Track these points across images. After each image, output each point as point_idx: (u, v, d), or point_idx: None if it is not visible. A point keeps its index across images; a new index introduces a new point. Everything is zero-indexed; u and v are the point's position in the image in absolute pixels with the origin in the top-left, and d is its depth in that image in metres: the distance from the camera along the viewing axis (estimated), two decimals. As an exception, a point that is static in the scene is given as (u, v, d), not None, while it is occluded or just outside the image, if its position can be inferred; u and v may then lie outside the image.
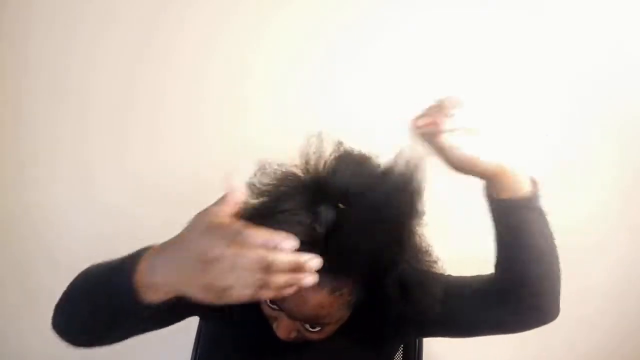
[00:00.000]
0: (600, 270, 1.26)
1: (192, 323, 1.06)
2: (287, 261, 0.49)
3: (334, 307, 0.67)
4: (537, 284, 0.76)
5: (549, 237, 0.78)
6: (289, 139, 0.76)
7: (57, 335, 0.69)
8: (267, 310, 0.73)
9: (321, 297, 0.66)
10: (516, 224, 0.73)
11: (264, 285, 0.49)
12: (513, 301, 0.76)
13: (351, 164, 0.71)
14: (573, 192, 1.25)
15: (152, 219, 1.28)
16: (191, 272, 0.51)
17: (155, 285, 0.54)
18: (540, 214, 0.76)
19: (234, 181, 0.55)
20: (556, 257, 0.79)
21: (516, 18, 1.22)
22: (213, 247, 0.49)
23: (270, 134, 1.20)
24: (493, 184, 0.73)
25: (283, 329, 0.71)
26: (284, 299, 0.66)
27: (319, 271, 0.50)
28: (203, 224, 0.52)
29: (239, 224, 0.50)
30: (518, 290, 0.76)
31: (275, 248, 0.49)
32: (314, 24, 1.26)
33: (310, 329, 0.70)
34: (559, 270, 0.79)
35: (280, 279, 0.49)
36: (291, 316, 0.69)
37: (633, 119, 1.22)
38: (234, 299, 0.50)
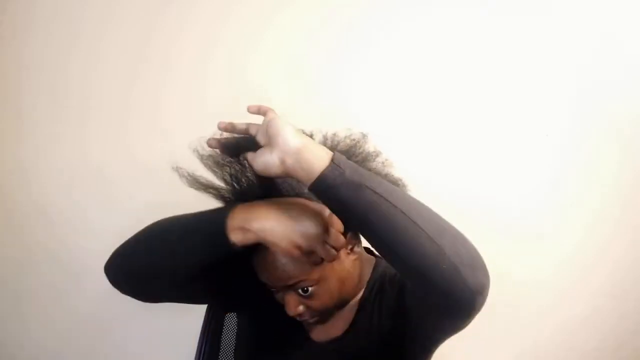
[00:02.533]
0: (601, 270, 1.26)
1: (192, 325, 1.07)
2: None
3: (297, 262, 0.74)
4: (404, 260, 0.65)
5: (386, 201, 0.64)
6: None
7: (112, 277, 0.80)
8: (275, 296, 0.82)
9: (278, 257, 0.75)
10: (338, 207, 0.67)
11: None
12: (415, 288, 0.74)
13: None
14: (573, 192, 1.25)
15: (151, 218, 1.28)
16: (292, 229, 0.69)
17: (248, 229, 0.69)
18: (352, 184, 0.64)
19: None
20: (416, 217, 0.64)
21: (516, 18, 1.22)
22: (321, 225, 0.70)
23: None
24: (296, 179, 0.68)
25: (288, 303, 0.78)
26: (263, 273, 0.78)
27: None
28: (308, 200, 0.73)
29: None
30: (403, 274, 0.74)
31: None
32: (314, 24, 1.26)
33: (304, 294, 0.78)
34: (429, 230, 0.64)
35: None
36: (277, 286, 0.78)
37: (633, 119, 1.23)
38: (308, 259, 0.72)
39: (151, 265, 0.75)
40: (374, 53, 1.25)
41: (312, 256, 0.72)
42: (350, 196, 0.64)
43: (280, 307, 0.81)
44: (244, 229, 0.69)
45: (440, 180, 1.25)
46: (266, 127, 0.70)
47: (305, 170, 0.65)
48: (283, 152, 0.66)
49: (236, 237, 0.70)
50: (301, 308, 0.79)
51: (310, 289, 0.77)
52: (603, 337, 1.27)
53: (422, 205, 0.68)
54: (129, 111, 1.30)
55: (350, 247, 0.80)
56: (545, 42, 1.23)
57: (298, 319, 0.81)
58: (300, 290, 0.77)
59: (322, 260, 0.73)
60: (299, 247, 0.70)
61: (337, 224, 0.73)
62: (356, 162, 0.72)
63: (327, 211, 0.72)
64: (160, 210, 1.26)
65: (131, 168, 1.29)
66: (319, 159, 0.64)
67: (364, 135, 0.82)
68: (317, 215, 0.71)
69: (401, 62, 1.25)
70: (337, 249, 0.73)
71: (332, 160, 0.64)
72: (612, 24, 1.22)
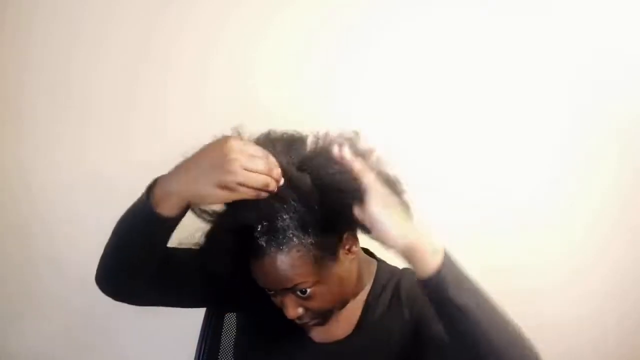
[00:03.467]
0: (601, 270, 1.26)
1: (192, 325, 1.07)
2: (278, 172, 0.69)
3: (294, 263, 0.74)
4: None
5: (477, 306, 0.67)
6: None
7: (103, 289, 0.81)
8: (274, 300, 0.81)
9: (274, 257, 0.74)
10: (445, 310, 0.67)
11: (259, 187, 0.67)
12: None
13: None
14: (573, 192, 1.25)
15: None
16: (209, 172, 0.66)
17: (169, 194, 0.69)
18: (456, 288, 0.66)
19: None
20: (496, 321, 0.67)
21: (516, 18, 1.22)
22: (232, 150, 0.66)
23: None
24: (409, 263, 0.68)
25: (287, 306, 0.78)
26: (259, 276, 0.77)
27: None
28: (215, 141, 0.69)
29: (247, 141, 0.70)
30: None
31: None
32: (314, 24, 1.26)
33: (302, 295, 0.76)
34: (503, 333, 0.67)
35: (272, 183, 0.68)
36: (274, 289, 0.78)
37: (633, 119, 1.23)
38: (242, 196, 0.67)
39: (115, 264, 0.78)
40: (374, 53, 1.26)
41: (243, 192, 0.67)
42: (441, 312, 0.67)
43: (280, 308, 0.80)
44: (164, 196, 0.69)
45: (440, 180, 1.25)
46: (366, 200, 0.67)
47: (424, 260, 0.66)
48: (391, 245, 0.67)
49: (162, 208, 0.69)
50: (300, 310, 0.78)
51: (308, 290, 0.76)
52: (603, 336, 1.27)
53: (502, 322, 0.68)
54: (130, 112, 1.30)
55: (347, 247, 0.79)
56: (545, 41, 1.23)
57: (298, 322, 0.80)
58: (298, 292, 0.76)
59: (263, 194, 0.68)
60: (222, 187, 0.66)
61: (247, 149, 0.68)
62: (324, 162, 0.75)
63: (228, 138, 0.69)
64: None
65: (131, 169, 1.29)
66: (429, 262, 0.66)
67: (357, 133, 0.80)
68: (216, 147, 0.68)
69: (401, 62, 1.25)
70: (267, 173, 0.68)
71: (439, 271, 0.65)
72: (612, 23, 1.22)
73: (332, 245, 0.77)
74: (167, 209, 0.70)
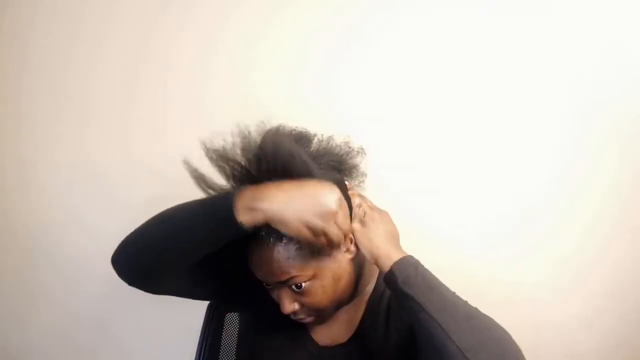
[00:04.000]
0: (601, 270, 1.26)
1: (192, 324, 1.07)
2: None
3: (290, 256, 0.76)
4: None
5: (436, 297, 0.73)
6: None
7: (122, 271, 0.79)
8: (271, 294, 0.82)
9: (272, 249, 0.75)
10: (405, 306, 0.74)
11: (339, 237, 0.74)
12: None
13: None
14: (573, 192, 1.25)
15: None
16: (307, 209, 0.71)
17: (258, 209, 0.70)
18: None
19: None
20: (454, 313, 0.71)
21: (516, 18, 1.22)
22: (338, 203, 0.73)
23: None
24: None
25: (282, 300, 0.79)
26: (256, 269, 0.78)
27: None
28: (327, 186, 0.74)
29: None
30: None
31: None
32: (314, 24, 1.26)
33: (297, 290, 0.78)
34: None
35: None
36: (272, 283, 0.79)
37: (633, 119, 1.23)
38: (316, 241, 0.72)
39: (159, 249, 0.75)
40: (374, 53, 1.26)
41: (320, 239, 0.73)
42: (401, 303, 0.73)
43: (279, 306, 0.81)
44: (252, 209, 0.70)
45: (439, 180, 1.25)
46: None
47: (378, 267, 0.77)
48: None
49: (244, 217, 0.70)
50: (296, 305, 0.79)
51: (303, 284, 0.77)
52: (603, 336, 1.27)
53: (467, 315, 0.71)
54: (129, 112, 1.30)
55: (346, 247, 0.80)
56: (545, 42, 1.23)
57: (293, 317, 0.81)
58: (293, 287, 0.77)
59: (327, 245, 0.74)
60: (309, 227, 0.71)
61: (345, 208, 0.76)
62: (338, 170, 0.82)
63: (338, 192, 0.75)
64: (159, 209, 1.27)
65: (131, 169, 1.29)
66: (386, 265, 0.75)
67: (361, 150, 0.85)
68: (328, 195, 0.73)
69: (401, 62, 1.25)
70: (345, 234, 0.76)
71: (392, 266, 0.74)
72: (612, 23, 1.22)
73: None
74: (248, 220, 0.70)
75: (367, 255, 0.78)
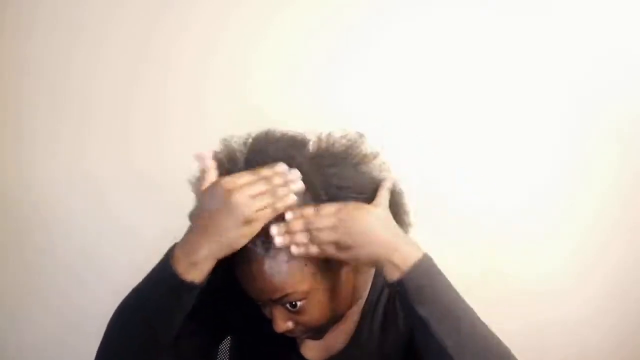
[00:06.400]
0: (601, 270, 1.26)
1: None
2: (281, 179, 0.68)
3: (283, 271, 0.69)
4: None
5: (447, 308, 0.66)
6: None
7: None
8: (264, 311, 0.76)
9: (264, 263, 0.69)
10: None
11: (277, 200, 0.66)
12: None
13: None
14: (573, 192, 1.25)
15: (153, 218, 1.28)
16: (224, 223, 0.64)
17: (200, 261, 0.66)
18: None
19: (203, 155, 0.71)
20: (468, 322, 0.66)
21: (516, 18, 1.22)
22: (229, 193, 0.65)
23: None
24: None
25: (275, 319, 0.72)
26: (247, 287, 0.72)
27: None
28: (207, 193, 0.67)
29: (234, 175, 0.67)
30: None
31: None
32: (314, 24, 1.26)
33: (292, 309, 0.71)
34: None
35: (282, 190, 0.67)
36: (265, 301, 0.73)
37: (633, 119, 1.23)
38: (264, 220, 0.66)
39: (134, 349, 0.71)
40: (374, 53, 1.25)
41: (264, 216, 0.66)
42: (409, 323, 0.69)
43: (270, 323, 0.75)
44: (194, 266, 0.66)
45: (440, 180, 1.25)
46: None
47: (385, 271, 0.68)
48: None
49: (194, 276, 0.66)
50: (290, 324, 0.73)
51: (298, 303, 0.70)
52: (603, 337, 1.27)
53: (484, 349, 0.65)
54: (129, 112, 1.30)
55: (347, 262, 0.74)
56: (546, 42, 1.23)
57: (289, 335, 0.75)
58: (288, 305, 0.71)
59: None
60: (248, 221, 0.65)
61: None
62: (353, 163, 0.73)
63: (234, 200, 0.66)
64: (159, 213, 1.27)
65: (131, 169, 1.29)
66: (394, 270, 0.66)
67: (361, 136, 0.77)
68: (220, 196, 0.65)
69: (401, 62, 1.25)
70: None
71: (402, 277, 0.65)
72: (612, 24, 1.22)
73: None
74: (198, 276, 0.66)
75: (369, 267, 0.72)
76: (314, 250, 0.67)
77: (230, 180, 0.66)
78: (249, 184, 0.66)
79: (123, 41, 1.28)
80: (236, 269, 0.72)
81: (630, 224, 1.25)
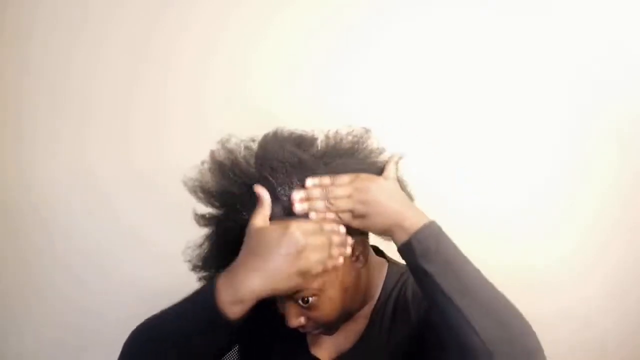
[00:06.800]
0: (601, 270, 1.26)
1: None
2: (338, 238, 0.71)
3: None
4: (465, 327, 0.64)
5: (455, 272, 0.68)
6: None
7: None
8: (279, 308, 0.77)
9: None
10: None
11: (329, 258, 0.69)
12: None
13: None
14: (573, 192, 1.25)
15: (154, 218, 1.28)
16: (282, 266, 0.66)
17: (242, 298, 0.66)
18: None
19: (261, 191, 0.70)
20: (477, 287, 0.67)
21: (516, 18, 1.22)
22: (298, 238, 0.67)
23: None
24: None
25: (289, 314, 0.74)
26: None
27: None
28: (267, 232, 0.68)
29: (299, 221, 0.69)
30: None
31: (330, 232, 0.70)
32: (314, 24, 1.26)
33: (304, 305, 0.72)
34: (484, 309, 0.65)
35: (336, 250, 0.70)
36: (278, 297, 0.73)
37: (633, 119, 1.23)
38: (316, 273, 0.69)
39: None
40: (374, 53, 1.26)
41: (321, 267, 0.69)
42: (417, 282, 0.69)
43: (283, 320, 0.76)
44: (238, 303, 0.66)
45: (440, 179, 1.25)
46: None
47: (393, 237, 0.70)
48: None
49: (234, 312, 0.66)
50: (302, 320, 0.74)
51: (310, 299, 0.71)
52: (603, 336, 1.27)
53: (491, 303, 0.66)
54: (129, 112, 1.30)
55: (357, 253, 0.75)
56: (546, 41, 1.23)
57: (301, 330, 0.76)
58: (300, 301, 0.72)
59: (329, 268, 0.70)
60: (302, 275, 0.68)
61: (336, 225, 0.71)
62: (360, 159, 0.77)
63: (289, 226, 0.68)
64: (159, 213, 1.27)
65: (131, 169, 1.29)
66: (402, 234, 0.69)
67: (367, 131, 0.79)
68: (287, 236, 0.67)
69: (401, 62, 1.25)
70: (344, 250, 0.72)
71: (410, 238, 0.68)
72: (612, 24, 1.22)
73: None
74: (240, 312, 0.67)
75: (379, 234, 0.74)
76: (330, 217, 0.70)
77: (298, 228, 0.67)
78: (314, 234, 0.69)
79: (123, 41, 1.28)
80: None
81: (630, 224, 1.25)
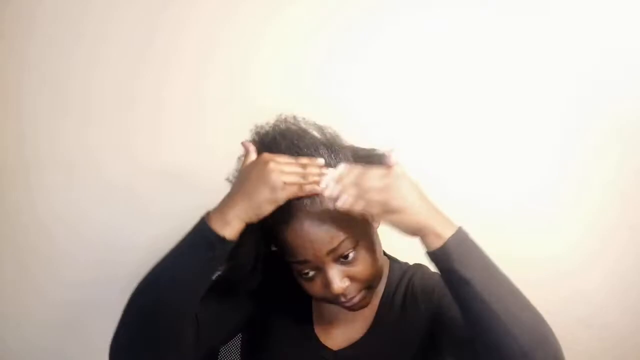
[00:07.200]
0: (600, 269, 1.26)
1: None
2: (317, 169, 0.73)
3: (334, 217, 0.74)
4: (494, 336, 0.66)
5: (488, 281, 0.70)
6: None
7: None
8: (315, 291, 0.79)
9: (316, 211, 0.75)
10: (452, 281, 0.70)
11: (306, 182, 0.72)
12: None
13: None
14: (573, 192, 1.25)
15: (154, 217, 1.28)
16: (255, 188, 0.71)
17: (228, 219, 0.72)
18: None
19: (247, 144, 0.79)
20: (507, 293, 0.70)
21: (516, 18, 1.22)
22: (266, 163, 0.72)
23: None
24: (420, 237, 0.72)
25: (332, 278, 0.75)
26: (300, 245, 0.75)
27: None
28: (247, 164, 0.76)
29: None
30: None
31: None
32: (314, 24, 1.26)
33: (345, 260, 0.75)
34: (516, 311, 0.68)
35: (314, 176, 0.72)
36: (319, 258, 0.75)
37: (633, 119, 1.23)
38: (290, 193, 0.71)
39: (165, 310, 0.74)
40: (374, 52, 1.26)
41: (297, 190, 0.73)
42: (452, 288, 0.69)
43: (293, 314, 0.81)
44: (226, 225, 0.72)
45: (441, 179, 1.24)
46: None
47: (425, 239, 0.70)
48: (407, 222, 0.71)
49: (225, 232, 0.72)
50: (347, 281, 0.76)
51: (350, 254, 0.75)
52: (603, 336, 1.27)
53: (523, 307, 0.69)
54: (130, 111, 1.30)
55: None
56: (546, 42, 1.23)
57: (342, 299, 0.78)
58: (341, 259, 0.75)
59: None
60: (276, 188, 0.71)
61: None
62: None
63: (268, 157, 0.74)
64: (159, 209, 1.27)
65: (130, 168, 1.29)
66: (435, 238, 0.69)
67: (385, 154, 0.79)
68: (257, 165, 0.73)
69: (402, 61, 1.25)
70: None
71: (445, 244, 0.68)
72: (612, 24, 1.22)
73: None
74: (230, 232, 0.72)
75: (407, 233, 0.72)
76: (360, 205, 0.70)
77: (271, 155, 0.74)
78: (286, 162, 0.73)
79: (123, 41, 1.28)
80: (285, 233, 0.76)
81: (630, 223, 1.25)
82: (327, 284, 0.76)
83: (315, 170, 0.73)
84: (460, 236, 0.70)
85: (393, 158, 0.73)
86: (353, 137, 0.89)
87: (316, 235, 0.74)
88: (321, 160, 0.74)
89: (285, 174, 0.71)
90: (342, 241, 0.74)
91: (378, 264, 0.79)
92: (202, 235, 0.73)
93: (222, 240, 0.72)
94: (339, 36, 1.25)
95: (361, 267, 0.76)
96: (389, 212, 0.70)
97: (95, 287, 1.32)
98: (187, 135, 1.28)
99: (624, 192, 1.24)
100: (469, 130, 1.25)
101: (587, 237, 1.25)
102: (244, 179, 0.74)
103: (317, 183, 0.72)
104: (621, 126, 1.23)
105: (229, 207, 0.73)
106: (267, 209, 0.72)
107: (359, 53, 1.25)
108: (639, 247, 1.25)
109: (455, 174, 1.25)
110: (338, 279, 0.75)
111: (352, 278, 0.76)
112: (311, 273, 0.77)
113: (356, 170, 0.72)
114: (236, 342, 1.01)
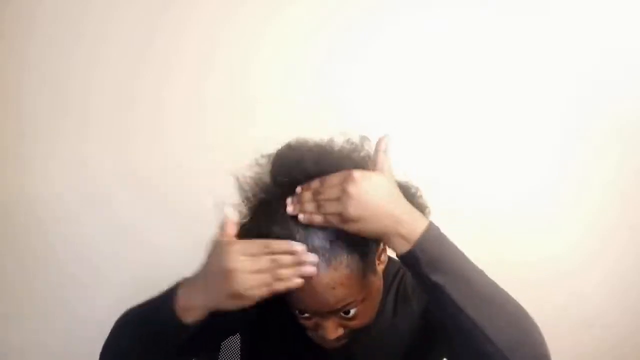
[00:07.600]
0: (600, 270, 1.26)
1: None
2: (290, 258, 0.65)
3: (344, 282, 0.68)
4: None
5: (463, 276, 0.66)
6: (290, 138, 0.77)
7: None
8: (308, 327, 0.75)
9: (325, 277, 0.67)
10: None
11: (276, 280, 0.64)
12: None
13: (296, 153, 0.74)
14: (573, 192, 1.25)
15: (153, 218, 1.28)
16: (217, 286, 0.65)
17: (193, 307, 0.67)
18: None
19: (228, 211, 0.70)
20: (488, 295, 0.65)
21: (516, 18, 1.22)
22: (229, 260, 0.64)
23: (271, 133, 1.19)
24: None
25: (328, 328, 0.71)
26: (302, 300, 0.70)
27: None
28: (215, 249, 0.67)
29: (244, 240, 0.66)
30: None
31: (282, 253, 0.65)
32: (314, 24, 1.26)
33: (346, 316, 0.71)
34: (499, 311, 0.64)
35: (287, 272, 0.64)
36: (320, 313, 0.71)
37: (633, 119, 1.23)
38: (255, 298, 0.64)
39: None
40: (374, 52, 1.26)
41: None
42: (426, 292, 0.66)
43: (293, 327, 0.76)
44: (189, 310, 0.67)
45: (441, 179, 1.24)
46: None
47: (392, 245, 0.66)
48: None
49: (186, 317, 0.67)
50: (340, 331, 0.72)
51: (352, 311, 0.70)
52: (603, 336, 1.27)
53: (501, 306, 0.65)
54: (130, 111, 1.30)
55: (382, 256, 0.75)
56: (546, 42, 1.23)
57: (330, 344, 0.74)
58: (342, 314, 0.70)
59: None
60: (238, 297, 0.64)
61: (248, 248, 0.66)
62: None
63: (228, 245, 0.66)
64: (159, 214, 1.27)
65: (130, 168, 1.29)
66: (402, 243, 0.65)
67: (364, 138, 0.76)
68: (221, 257, 0.65)
69: (401, 62, 1.25)
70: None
71: (413, 248, 0.64)
72: (612, 24, 1.22)
73: (372, 256, 0.72)
74: (192, 319, 0.67)
75: (372, 238, 0.68)
76: (318, 219, 0.66)
77: (235, 250, 0.64)
78: (253, 257, 0.64)
79: (123, 41, 1.28)
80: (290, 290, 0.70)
81: (629, 222, 1.25)
82: (321, 328, 0.73)
83: (288, 260, 0.64)
84: (430, 237, 0.64)
85: (383, 145, 0.69)
86: (353, 137, 0.89)
87: (324, 297, 0.68)
88: (299, 246, 0.65)
89: (251, 278, 0.63)
90: (348, 304, 0.69)
91: (376, 311, 0.75)
92: (165, 316, 0.68)
93: (184, 326, 0.67)
94: (339, 36, 1.25)
95: (359, 321, 0.72)
96: (347, 221, 0.64)
97: (95, 287, 1.32)
98: (187, 135, 1.28)
99: (624, 192, 1.24)
100: (469, 130, 1.25)
101: (587, 237, 1.25)
102: (209, 270, 0.67)
103: (290, 279, 0.64)
104: (621, 126, 1.23)
105: (193, 297, 0.67)
106: (232, 308, 0.66)
107: (359, 53, 1.25)
108: (639, 247, 1.25)
109: (455, 174, 1.25)
110: (333, 330, 0.72)
111: (346, 327, 0.73)
112: (307, 314, 0.73)
113: (314, 183, 0.67)
114: (236, 342, 1.01)
